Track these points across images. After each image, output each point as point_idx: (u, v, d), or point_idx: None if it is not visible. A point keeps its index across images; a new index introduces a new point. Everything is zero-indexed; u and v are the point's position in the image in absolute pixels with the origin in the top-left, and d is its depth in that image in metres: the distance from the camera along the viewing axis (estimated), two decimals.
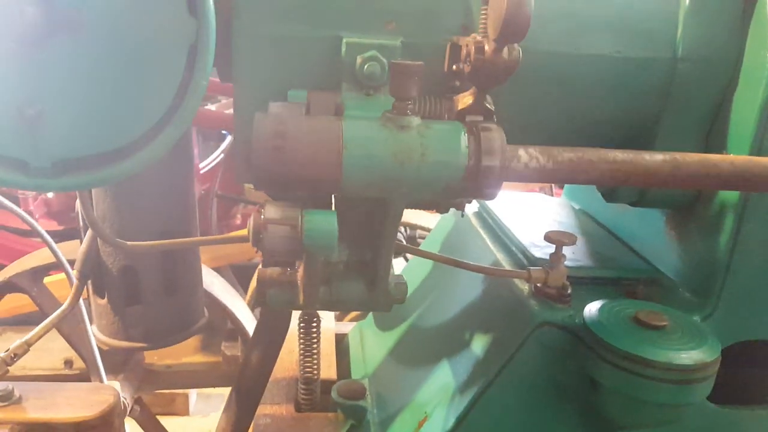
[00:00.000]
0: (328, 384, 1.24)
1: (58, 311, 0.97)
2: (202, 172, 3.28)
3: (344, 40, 0.78)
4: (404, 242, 2.53)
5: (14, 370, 2.42)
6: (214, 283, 1.87)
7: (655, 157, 0.73)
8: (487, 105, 0.72)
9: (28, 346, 0.97)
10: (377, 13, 0.80)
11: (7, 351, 0.96)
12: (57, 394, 1.11)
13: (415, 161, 0.65)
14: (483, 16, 0.71)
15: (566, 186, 1.45)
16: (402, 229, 2.60)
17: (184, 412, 2.69)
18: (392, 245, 0.81)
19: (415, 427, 1.02)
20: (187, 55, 0.64)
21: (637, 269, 1.04)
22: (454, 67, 0.77)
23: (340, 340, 1.53)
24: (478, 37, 0.71)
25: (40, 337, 0.97)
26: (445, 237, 1.39)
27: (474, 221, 1.30)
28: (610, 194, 1.00)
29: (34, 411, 1.07)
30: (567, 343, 0.88)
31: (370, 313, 1.50)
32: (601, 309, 0.87)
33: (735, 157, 0.75)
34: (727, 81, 0.88)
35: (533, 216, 1.27)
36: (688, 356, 0.78)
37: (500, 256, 1.12)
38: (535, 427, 0.92)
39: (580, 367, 0.86)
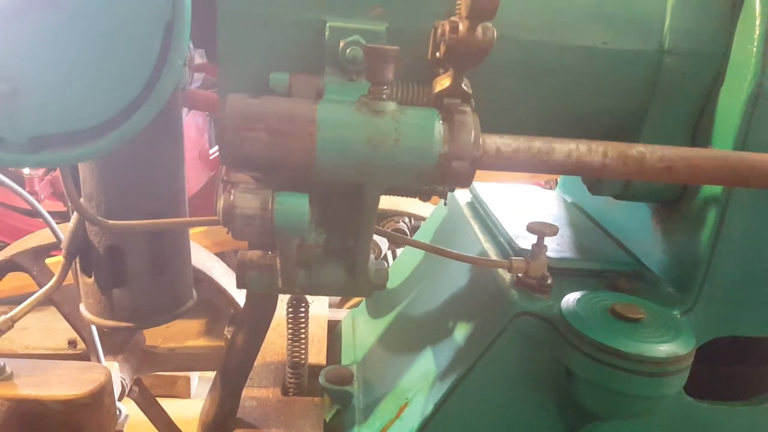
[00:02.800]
0: (317, 369, 1.25)
1: (44, 288, 1.00)
2: (211, 158, 3.30)
3: (328, 24, 0.79)
4: (408, 233, 2.54)
5: (18, 348, 2.46)
6: (215, 267, 1.89)
7: (634, 148, 0.73)
8: (464, 88, 0.72)
9: (12, 322, 0.99)
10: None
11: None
12: (49, 372, 1.14)
13: (389, 146, 0.66)
14: None
15: (561, 179, 1.45)
16: (406, 219, 2.61)
17: (186, 394, 2.73)
18: (371, 231, 0.82)
19: (396, 413, 1.03)
20: (162, 33, 0.65)
21: (621, 262, 1.04)
22: (438, 54, 0.77)
23: (333, 327, 1.55)
24: (454, 18, 0.71)
25: (25, 314, 1.00)
26: (438, 226, 1.39)
27: (466, 211, 1.30)
28: (594, 186, 0.99)
29: (25, 388, 1.09)
30: (545, 333, 0.89)
31: (364, 301, 1.51)
32: (578, 300, 0.87)
33: (712, 151, 0.74)
34: (714, 74, 0.87)
35: (524, 208, 1.27)
36: (662, 349, 0.78)
37: (487, 246, 1.12)
38: (511, 415, 0.93)
39: (557, 356, 0.86)
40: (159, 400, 2.16)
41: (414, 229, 2.50)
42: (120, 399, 1.81)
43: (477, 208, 1.30)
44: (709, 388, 1.01)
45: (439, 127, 0.68)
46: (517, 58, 0.85)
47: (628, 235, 1.12)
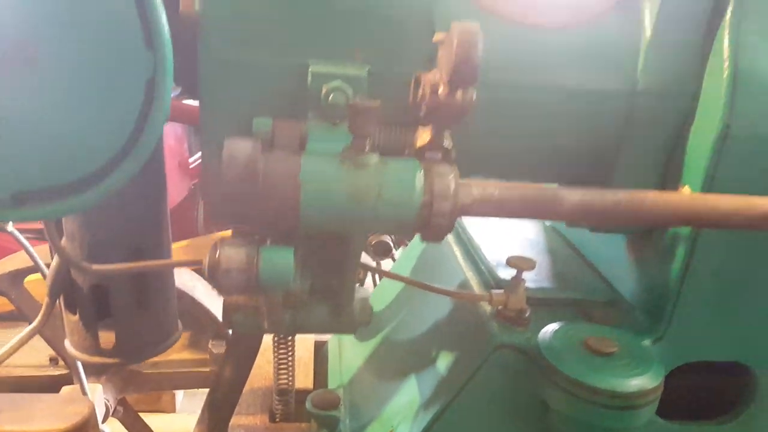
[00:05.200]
0: (304, 394, 1.27)
1: (28, 329, 1.00)
2: (191, 167, 3.29)
3: (310, 69, 0.81)
4: (392, 246, 2.57)
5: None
6: (196, 287, 1.90)
7: (609, 195, 0.76)
8: (445, 142, 0.75)
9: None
10: (345, 42, 0.83)
11: None
12: (33, 406, 1.14)
13: (371, 200, 0.68)
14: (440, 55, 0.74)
15: None
16: None
17: (171, 409, 2.73)
18: (355, 273, 0.84)
19: None
20: (145, 88, 0.66)
21: (596, 291, 1.07)
22: (419, 99, 0.80)
23: (320, 347, 1.57)
24: (435, 77, 0.73)
25: (9, 356, 1.00)
26: (423, 249, 1.42)
27: (449, 235, 1.33)
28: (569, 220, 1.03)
29: (10, 423, 1.09)
30: (524, 365, 0.92)
31: None
32: (554, 334, 0.90)
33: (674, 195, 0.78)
34: (685, 113, 0.91)
35: (504, 232, 1.30)
36: (632, 383, 0.81)
37: (469, 275, 1.15)
38: None
39: (535, 388, 0.90)
40: (144, 415, 2.16)
41: (398, 242, 2.53)
42: (104, 421, 1.81)
43: (459, 231, 1.33)
44: (681, 405, 1.06)
45: (420, 179, 0.70)
46: (493, 99, 0.88)
47: (604, 262, 1.15)
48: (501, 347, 0.93)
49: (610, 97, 0.89)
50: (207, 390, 1.25)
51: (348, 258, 0.81)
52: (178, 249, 2.48)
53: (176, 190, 3.15)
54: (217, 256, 0.67)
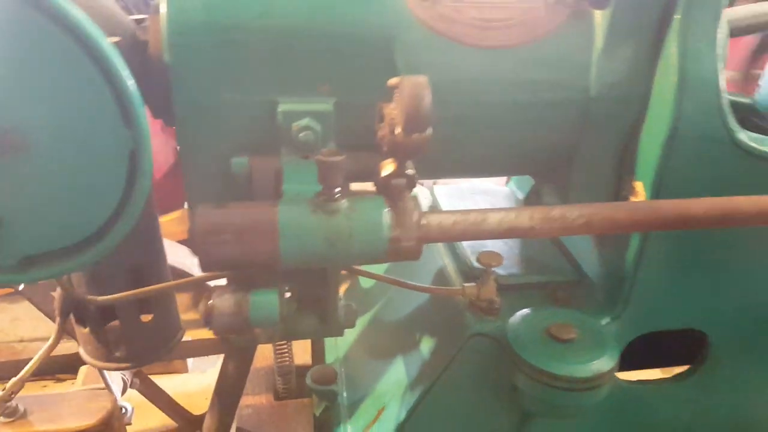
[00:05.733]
0: (304, 369, 1.39)
1: (43, 348, 1.09)
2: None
3: (279, 109, 0.85)
4: None
5: (12, 340, 2.54)
6: (195, 265, 1.99)
7: (558, 212, 0.84)
8: (408, 171, 0.81)
9: (22, 382, 1.10)
10: (310, 77, 0.87)
11: (4, 390, 1.09)
12: (59, 405, 1.26)
13: (344, 241, 0.76)
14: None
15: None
16: None
17: (183, 369, 2.90)
18: (337, 287, 0.93)
19: (375, 416, 1.18)
20: (128, 160, 0.72)
21: (563, 272, 1.17)
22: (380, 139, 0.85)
23: None
24: (393, 114, 0.78)
25: (32, 372, 1.10)
26: None
27: None
28: (535, 202, 1.10)
29: (41, 424, 1.21)
30: (496, 351, 1.02)
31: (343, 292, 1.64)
32: (520, 323, 1.00)
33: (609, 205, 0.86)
34: (637, 116, 0.97)
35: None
36: (589, 368, 0.92)
37: (447, 261, 1.24)
38: (472, 418, 1.08)
39: (505, 372, 1.01)
40: (158, 378, 2.31)
41: None
42: (123, 394, 1.95)
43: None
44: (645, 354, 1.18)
45: (386, 217, 0.77)
46: (456, 114, 0.93)
47: (573, 244, 1.24)
48: (475, 335, 1.04)
49: (566, 106, 0.94)
50: None
51: (330, 280, 0.89)
52: (170, 221, 2.55)
53: (162, 157, 3.16)
54: (210, 304, 0.75)
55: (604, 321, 1.07)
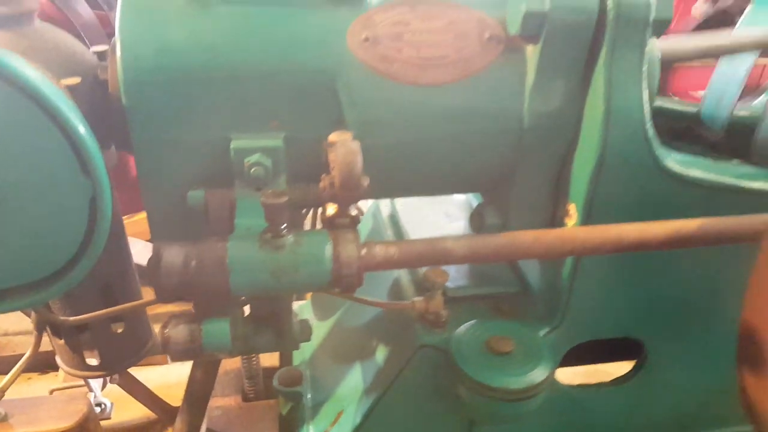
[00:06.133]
0: (272, 371, 1.47)
1: (24, 358, 1.16)
2: None
3: (231, 146, 0.91)
4: None
5: None
6: None
7: (489, 240, 0.91)
8: (351, 213, 0.88)
9: (2, 392, 1.16)
10: (260, 115, 0.93)
11: None
12: (39, 409, 1.33)
13: (289, 275, 0.82)
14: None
15: None
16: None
17: (163, 361, 2.97)
18: (290, 301, 1.00)
19: (333, 419, 1.26)
20: (89, 205, 0.78)
21: (508, 284, 1.25)
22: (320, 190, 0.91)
23: None
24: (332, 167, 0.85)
25: (11, 383, 1.17)
26: (365, 238, 1.57)
27: (386, 229, 1.48)
28: (478, 226, 1.16)
29: (21, 426, 1.28)
30: (442, 361, 1.10)
31: (309, 297, 1.71)
32: (462, 336, 1.08)
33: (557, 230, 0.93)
34: (569, 143, 1.03)
35: (434, 219, 1.45)
36: (522, 380, 1.00)
37: (402, 272, 1.31)
38: (422, 424, 1.17)
39: (451, 381, 1.09)
40: (139, 369, 2.38)
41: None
42: (103, 389, 2.03)
43: (396, 221, 1.48)
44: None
45: (329, 251, 0.84)
46: (400, 143, 1.00)
47: None
48: (423, 347, 1.12)
49: (500, 135, 1.01)
50: None
51: (282, 301, 0.96)
52: (144, 220, 2.61)
53: None
54: (166, 333, 0.82)
55: (544, 331, 1.15)
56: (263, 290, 0.83)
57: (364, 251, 0.87)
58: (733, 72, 1.41)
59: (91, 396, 1.88)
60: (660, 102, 1.53)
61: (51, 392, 1.72)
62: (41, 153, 0.74)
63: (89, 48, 1.04)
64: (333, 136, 0.83)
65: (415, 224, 1.42)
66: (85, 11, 2.47)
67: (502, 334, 1.08)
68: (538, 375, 1.01)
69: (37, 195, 0.75)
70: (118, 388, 2.22)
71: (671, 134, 1.55)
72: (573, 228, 0.97)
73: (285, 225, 0.83)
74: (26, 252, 0.80)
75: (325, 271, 0.84)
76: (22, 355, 2.32)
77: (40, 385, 1.70)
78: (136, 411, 2.26)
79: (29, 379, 2.23)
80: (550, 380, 1.03)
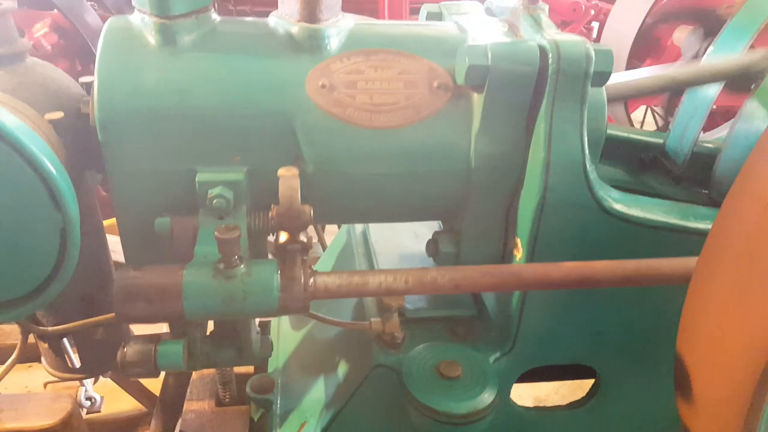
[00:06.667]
0: (246, 377, 1.55)
1: (11, 359, 1.26)
2: None
3: (197, 178, 0.99)
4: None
5: None
6: None
7: (432, 273, 0.98)
8: (302, 239, 0.95)
9: None
10: (224, 150, 1.01)
11: None
12: (26, 405, 1.42)
13: (239, 302, 0.90)
14: None
15: None
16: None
17: None
18: (249, 324, 1.08)
19: (298, 428, 1.34)
20: (59, 235, 0.86)
21: (465, 307, 1.31)
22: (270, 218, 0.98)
23: (265, 327, 1.84)
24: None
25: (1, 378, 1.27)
26: (339, 253, 1.64)
27: (357, 247, 1.55)
28: (433, 253, 1.23)
29: (8, 421, 1.38)
30: (396, 381, 1.17)
31: None
32: (414, 358, 1.15)
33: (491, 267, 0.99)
34: (515, 181, 1.10)
35: (402, 238, 1.52)
36: (467, 405, 1.06)
37: None
38: None
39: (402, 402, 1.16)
40: None
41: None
42: (95, 382, 2.13)
43: (367, 241, 1.55)
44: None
45: (277, 280, 0.91)
46: (355, 179, 1.07)
47: None
48: (378, 366, 1.19)
49: (449, 175, 1.07)
50: None
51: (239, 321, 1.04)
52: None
53: None
54: (123, 352, 0.90)
55: (495, 355, 1.21)
56: (215, 316, 0.91)
57: (311, 281, 0.94)
58: (695, 106, 1.46)
59: (82, 390, 1.99)
60: (628, 133, 1.58)
61: (45, 385, 1.83)
62: (17, 189, 0.82)
63: (78, 79, 1.13)
64: (281, 171, 0.90)
65: (384, 242, 1.49)
66: (94, 21, 2.57)
67: (453, 359, 1.15)
68: (481, 401, 1.08)
69: (13, 224, 0.84)
70: (111, 381, 2.35)
71: (640, 164, 1.60)
72: (511, 265, 1.03)
73: (237, 256, 0.91)
74: (5, 272, 0.88)
75: (273, 300, 0.92)
76: (12, 345, 2.44)
77: (39, 373, 1.79)
78: (126, 404, 2.37)
79: (30, 367, 2.34)
80: (494, 406, 1.09)
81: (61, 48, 2.65)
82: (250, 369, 1.63)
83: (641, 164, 1.58)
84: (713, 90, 1.45)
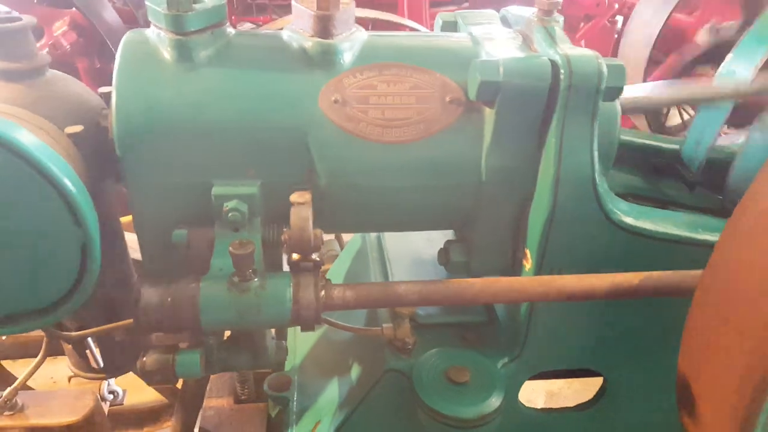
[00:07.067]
0: (265, 375, 1.59)
1: (33, 364, 1.31)
2: None
3: (213, 192, 1.02)
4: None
5: None
6: None
7: (439, 286, 1.00)
8: (314, 257, 0.98)
9: (17, 391, 1.32)
10: (239, 164, 1.04)
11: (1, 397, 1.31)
12: (51, 402, 1.48)
13: (253, 315, 0.93)
14: None
15: None
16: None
17: None
18: (264, 332, 1.11)
19: (311, 428, 1.38)
20: (80, 251, 0.90)
21: (475, 313, 1.33)
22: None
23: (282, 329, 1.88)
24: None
25: (25, 381, 1.32)
26: (353, 257, 1.67)
27: (371, 251, 1.57)
28: (444, 261, 1.25)
29: (35, 417, 1.44)
30: (407, 385, 1.20)
31: None
32: (424, 363, 1.18)
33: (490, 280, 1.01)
34: (526, 195, 1.11)
35: (416, 243, 1.54)
36: (474, 410, 1.09)
37: None
38: None
39: (412, 406, 1.19)
40: None
41: None
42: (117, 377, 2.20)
43: (381, 245, 1.57)
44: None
45: (289, 294, 0.94)
46: (368, 191, 1.09)
47: None
48: (389, 371, 1.22)
49: (460, 188, 1.09)
50: None
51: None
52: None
53: None
54: (144, 360, 0.94)
55: (504, 361, 1.24)
56: (230, 327, 0.94)
57: (322, 294, 0.97)
58: (712, 117, 1.45)
59: (105, 384, 2.06)
60: (643, 139, 1.58)
61: (69, 379, 1.90)
62: (38, 206, 0.86)
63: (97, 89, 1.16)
64: (293, 197, 0.93)
65: (398, 247, 1.52)
66: (112, 17, 2.61)
67: (462, 364, 1.18)
68: (488, 406, 1.11)
69: (35, 239, 0.88)
70: (133, 374, 2.42)
71: (655, 170, 1.60)
72: (519, 278, 1.04)
73: (252, 269, 0.94)
74: (30, 285, 0.93)
75: (285, 312, 0.95)
76: (37, 337, 2.51)
77: (64, 364, 1.86)
78: (149, 395, 2.44)
79: (55, 359, 2.42)
80: (501, 411, 1.12)
81: (81, 46, 2.69)
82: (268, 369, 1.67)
83: (656, 170, 1.58)
84: (729, 104, 1.44)
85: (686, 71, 2.70)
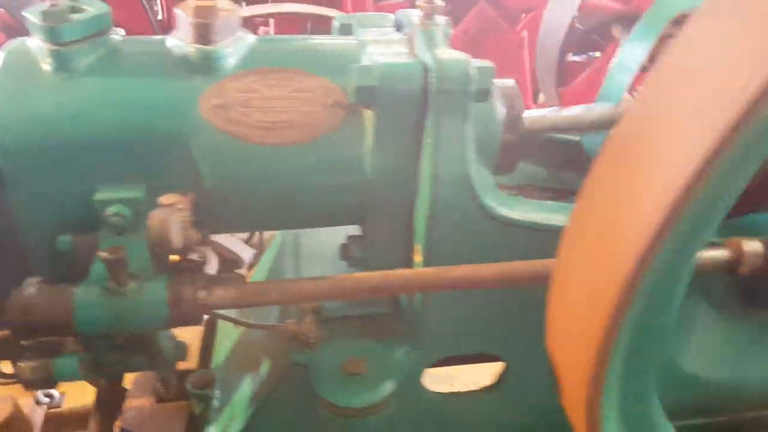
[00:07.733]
0: (188, 373, 1.62)
1: None
2: None
3: (94, 198, 1.03)
4: None
5: None
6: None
7: (336, 281, 1.03)
8: (194, 257, 1.01)
9: None
10: (122, 170, 1.05)
11: None
12: None
13: (129, 319, 0.96)
14: None
15: None
16: None
17: None
18: (156, 333, 1.14)
19: (227, 423, 1.41)
20: None
21: (381, 304, 1.37)
22: None
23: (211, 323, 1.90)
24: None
25: None
26: (275, 255, 1.70)
27: (288, 242, 1.60)
28: (345, 256, 1.29)
29: None
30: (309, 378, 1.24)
31: None
32: (323, 355, 1.22)
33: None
34: (412, 192, 1.15)
35: (333, 240, 1.57)
36: (365, 398, 1.14)
37: None
38: None
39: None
40: None
41: None
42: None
43: (297, 243, 1.60)
44: None
45: (165, 298, 0.97)
46: (255, 196, 1.12)
47: None
48: (294, 365, 1.25)
49: (348, 187, 1.13)
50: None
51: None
52: None
53: None
54: (20, 366, 0.96)
55: (404, 349, 1.28)
56: (107, 330, 0.97)
57: (203, 294, 0.99)
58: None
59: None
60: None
61: None
62: None
63: None
64: (162, 199, 0.95)
65: (315, 244, 1.55)
66: None
67: (360, 355, 1.22)
68: (378, 393, 1.15)
69: None
70: None
71: (560, 162, 1.66)
72: (413, 270, 1.09)
73: (129, 273, 0.96)
74: None
75: (163, 315, 0.97)
76: None
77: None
78: (91, 396, 2.43)
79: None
80: (396, 397, 1.17)
81: None
82: (192, 365, 1.69)
83: (561, 162, 1.64)
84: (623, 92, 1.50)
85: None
